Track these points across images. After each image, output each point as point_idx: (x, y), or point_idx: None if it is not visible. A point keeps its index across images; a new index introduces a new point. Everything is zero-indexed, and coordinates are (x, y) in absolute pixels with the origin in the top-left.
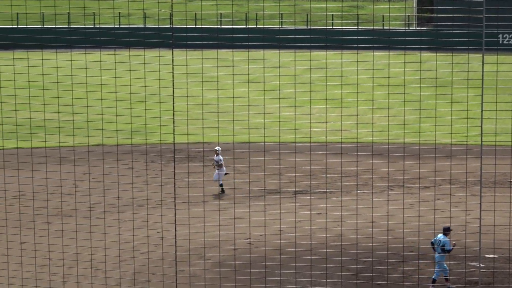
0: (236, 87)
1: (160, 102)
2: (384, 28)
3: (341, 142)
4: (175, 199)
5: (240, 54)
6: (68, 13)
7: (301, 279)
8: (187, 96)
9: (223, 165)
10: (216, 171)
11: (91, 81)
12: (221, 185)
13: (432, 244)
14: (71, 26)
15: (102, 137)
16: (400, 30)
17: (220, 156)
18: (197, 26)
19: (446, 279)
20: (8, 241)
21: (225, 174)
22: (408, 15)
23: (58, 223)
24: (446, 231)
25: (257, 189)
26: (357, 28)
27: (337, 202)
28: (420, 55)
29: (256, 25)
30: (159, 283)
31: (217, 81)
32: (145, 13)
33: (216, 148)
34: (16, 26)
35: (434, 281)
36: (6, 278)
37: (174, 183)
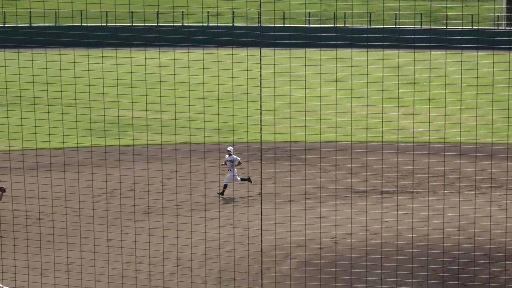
0: (324, 86)
1: (247, 101)
2: (473, 27)
3: (429, 142)
4: (261, 198)
5: (328, 53)
6: (157, 11)
7: (386, 279)
8: (274, 95)
9: (236, 166)
10: (229, 173)
11: (179, 79)
12: (225, 186)
13: None
14: (160, 24)
15: (190, 135)
16: (489, 30)
17: (234, 156)
18: (285, 25)
19: None
20: (95, 238)
21: (248, 179)
22: (498, 15)
23: (145, 221)
24: None
25: (344, 189)
26: (446, 28)
27: (424, 202)
28: (509, 55)
29: (344, 24)
30: (245, 282)
31: (305, 80)
32: (233, 12)
33: (229, 148)
34: (105, 25)
35: None
36: (93, 275)
37: (261, 182)
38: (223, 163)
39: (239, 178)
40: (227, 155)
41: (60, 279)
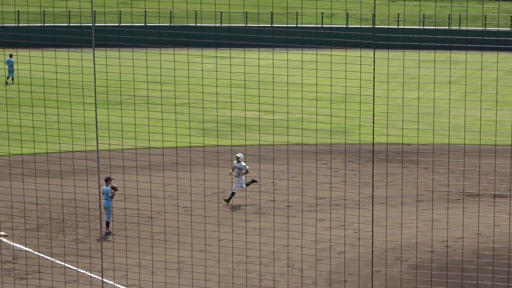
0: (437, 89)
1: (360, 103)
2: None
3: None
4: (372, 200)
5: (442, 55)
6: (271, 12)
7: (498, 283)
8: (387, 97)
9: (243, 174)
10: (237, 181)
11: (292, 80)
12: (232, 194)
13: None
14: (274, 25)
15: (302, 136)
16: None
17: (243, 163)
18: (399, 26)
19: None
20: (206, 237)
21: (253, 181)
22: None
23: (256, 221)
24: None
25: (456, 192)
26: None
27: None
28: None
29: (459, 27)
30: (355, 284)
31: (418, 82)
32: (347, 13)
33: (238, 154)
34: (219, 25)
35: None
36: (203, 274)
37: (372, 184)
38: (231, 170)
39: (245, 185)
40: (235, 161)
41: (171, 278)
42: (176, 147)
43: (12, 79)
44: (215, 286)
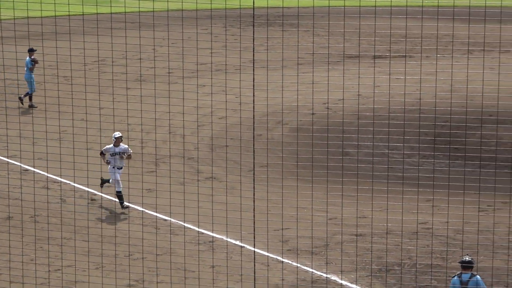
0: None
1: None
2: None
3: (422, 6)
4: (253, 64)
5: None
6: None
7: (378, 143)
8: None
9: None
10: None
11: None
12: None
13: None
14: None
15: (182, 2)
16: None
17: (125, 146)
18: None
19: None
20: (87, 106)
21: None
22: None
23: (137, 89)
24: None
25: (336, 54)
26: None
27: (417, 66)
28: None
29: None
30: (237, 148)
31: None
32: None
33: (117, 134)
34: None
35: None
36: (85, 143)
37: (253, 48)
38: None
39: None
40: (110, 145)
41: (52, 148)
42: (55, 16)
43: None
44: (97, 154)
